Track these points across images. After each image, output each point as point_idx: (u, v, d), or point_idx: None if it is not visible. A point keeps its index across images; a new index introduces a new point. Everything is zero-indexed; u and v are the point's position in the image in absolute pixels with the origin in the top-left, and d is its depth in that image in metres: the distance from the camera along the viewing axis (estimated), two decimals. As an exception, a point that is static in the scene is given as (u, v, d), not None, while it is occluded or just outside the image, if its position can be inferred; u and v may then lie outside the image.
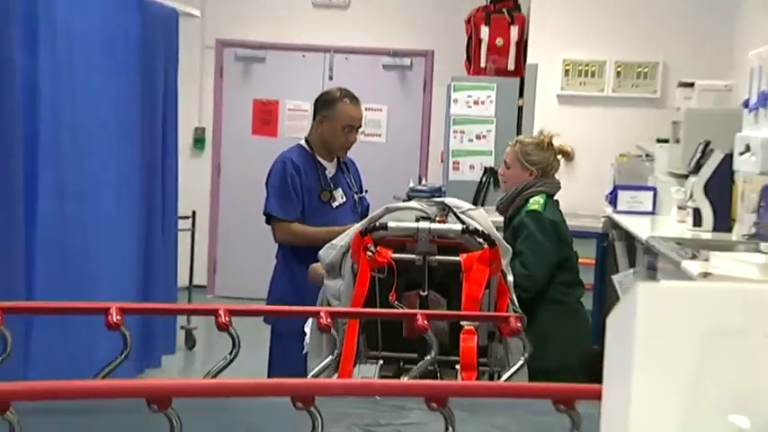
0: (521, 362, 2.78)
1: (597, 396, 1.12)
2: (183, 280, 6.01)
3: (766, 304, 1.00)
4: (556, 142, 3.83)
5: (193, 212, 6.56)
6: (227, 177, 7.85)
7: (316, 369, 2.80)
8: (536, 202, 3.69)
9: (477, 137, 6.11)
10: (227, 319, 2.41)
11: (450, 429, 1.58)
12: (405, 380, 2.93)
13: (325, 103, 4.06)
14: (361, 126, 4.12)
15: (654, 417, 0.97)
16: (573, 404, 1.61)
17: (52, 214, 4.12)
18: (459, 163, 6.27)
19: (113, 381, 2.06)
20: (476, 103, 6.17)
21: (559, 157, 3.87)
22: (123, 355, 2.37)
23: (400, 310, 3.18)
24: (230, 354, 2.40)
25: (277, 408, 1.75)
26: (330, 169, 4.09)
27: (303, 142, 4.09)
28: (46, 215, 4.07)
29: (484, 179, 5.93)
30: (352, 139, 4.08)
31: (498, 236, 3.37)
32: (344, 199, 4.09)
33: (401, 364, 3.29)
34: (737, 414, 0.96)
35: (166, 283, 5.41)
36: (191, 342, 6.16)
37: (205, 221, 7.55)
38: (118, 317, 2.28)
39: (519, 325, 2.78)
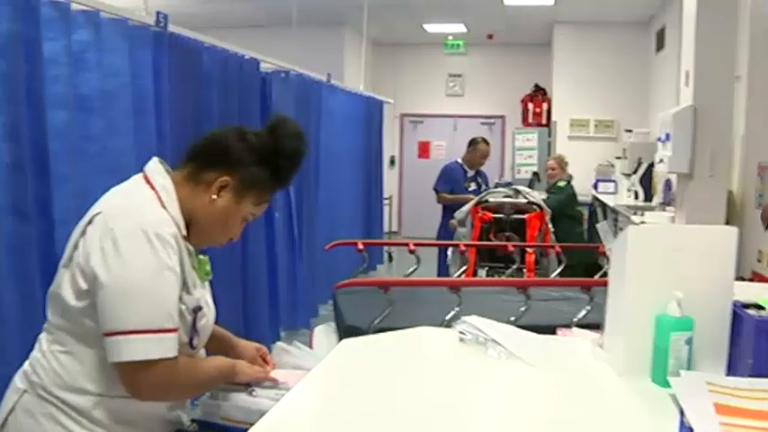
0: (560, 268, 4.39)
1: (604, 284, 1.80)
2: (386, 228, 9.43)
3: (689, 234, 1.69)
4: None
5: (390, 196, 10.88)
6: (405, 179, 12.01)
7: (456, 273, 4.61)
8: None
9: (528, 157, 9.20)
10: (413, 247, 3.84)
11: (529, 301, 2.62)
12: (503, 278, 4.54)
13: (472, 142, 6.38)
14: (489, 155, 6.46)
15: (639, 294, 1.62)
16: (591, 288, 2.64)
17: (326, 196, 6.04)
18: (520, 170, 9.24)
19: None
20: (527, 140, 9.28)
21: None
22: (364, 265, 3.93)
23: (498, 242, 4.90)
24: (417, 264, 3.89)
25: (437, 293, 2.94)
26: (470, 173, 6.32)
27: (459, 159, 6.45)
28: (323, 195, 5.95)
29: (531, 177, 8.81)
30: (484, 161, 6.39)
31: (544, 205, 5.27)
32: (474, 187, 6.26)
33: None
34: (677, 290, 1.57)
35: (378, 228, 8.05)
36: (390, 258, 8.87)
37: (396, 200, 11.79)
38: (361, 246, 3.81)
39: (556, 250, 4.49)
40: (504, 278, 4.34)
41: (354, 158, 7.08)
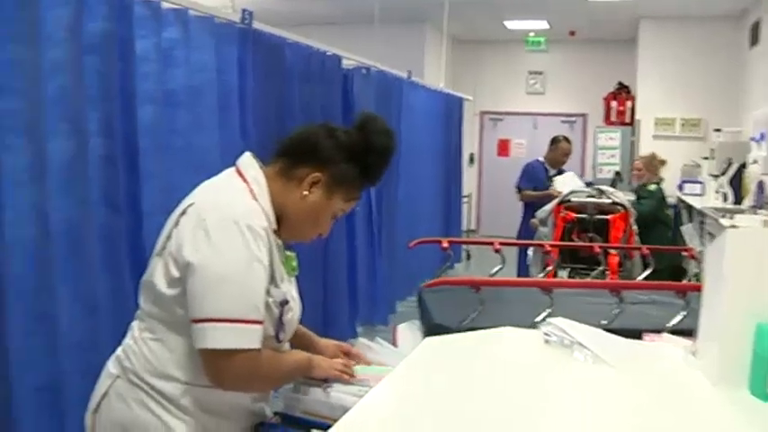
0: (647, 272, 4.14)
1: (698, 289, 1.81)
2: (464, 226, 9.43)
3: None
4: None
5: (469, 194, 10.91)
6: (484, 177, 11.96)
7: (540, 275, 4.54)
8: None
9: (611, 156, 9.06)
10: (498, 246, 3.72)
11: (621, 304, 2.59)
12: (588, 279, 4.36)
13: (554, 141, 6.39)
14: (571, 153, 6.48)
15: (738, 297, 1.57)
16: (686, 293, 2.56)
17: (406, 192, 6.02)
18: (601, 169, 9.10)
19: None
20: (610, 139, 9.13)
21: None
22: (448, 264, 4.09)
23: (583, 243, 4.81)
24: (501, 264, 3.75)
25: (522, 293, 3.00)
26: (552, 172, 6.30)
27: (541, 158, 6.45)
28: (402, 192, 5.94)
29: (614, 177, 8.48)
30: (566, 159, 6.40)
31: (629, 205, 5.15)
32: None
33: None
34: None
35: (456, 226, 8.04)
36: (468, 257, 8.83)
37: (474, 198, 11.77)
38: (446, 245, 3.75)
39: (643, 252, 4.30)
40: (594, 280, 4.20)
41: (434, 155, 7.07)
